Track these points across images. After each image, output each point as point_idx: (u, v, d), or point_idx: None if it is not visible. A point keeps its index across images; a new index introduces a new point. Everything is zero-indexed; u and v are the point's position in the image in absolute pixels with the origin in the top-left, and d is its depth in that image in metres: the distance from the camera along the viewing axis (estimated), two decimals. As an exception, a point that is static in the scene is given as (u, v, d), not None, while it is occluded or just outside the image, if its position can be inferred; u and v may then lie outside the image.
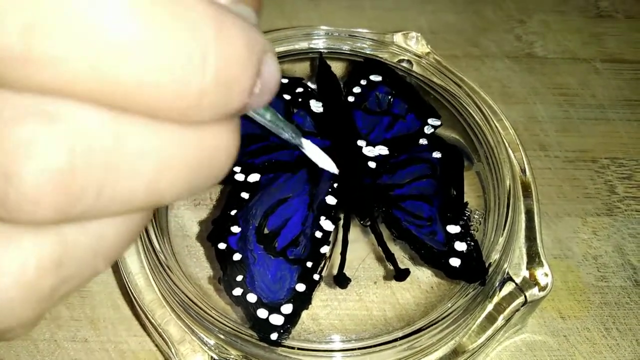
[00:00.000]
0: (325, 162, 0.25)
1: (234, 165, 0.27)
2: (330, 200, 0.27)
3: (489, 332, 0.25)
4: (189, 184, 0.13)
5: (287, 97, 0.31)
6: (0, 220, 0.11)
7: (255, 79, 0.12)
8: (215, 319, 0.24)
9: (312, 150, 0.24)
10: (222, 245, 0.25)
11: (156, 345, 0.28)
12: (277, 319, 0.23)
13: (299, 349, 0.23)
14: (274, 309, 0.23)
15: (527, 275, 0.26)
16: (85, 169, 0.11)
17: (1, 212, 0.11)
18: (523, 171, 0.29)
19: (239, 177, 0.27)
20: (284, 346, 0.23)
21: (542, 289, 0.26)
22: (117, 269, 0.29)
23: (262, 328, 0.23)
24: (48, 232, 0.12)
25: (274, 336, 0.23)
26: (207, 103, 0.11)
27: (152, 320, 0.25)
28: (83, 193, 0.11)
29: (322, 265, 0.25)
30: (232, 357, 0.24)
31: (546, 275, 0.26)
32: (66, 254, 0.12)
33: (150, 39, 0.11)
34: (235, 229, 0.25)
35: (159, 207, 0.14)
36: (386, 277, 0.28)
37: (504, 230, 0.26)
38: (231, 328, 0.24)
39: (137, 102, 0.11)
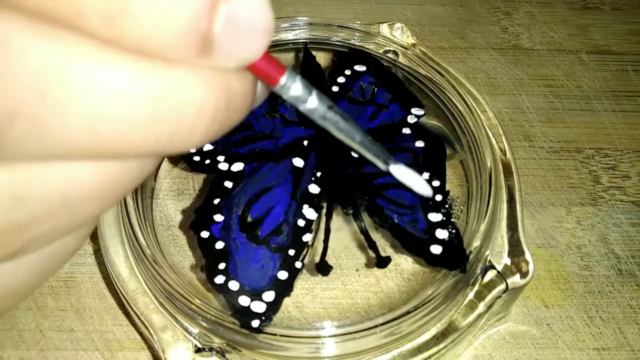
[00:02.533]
0: (420, 186, 0.23)
1: (218, 154, 0.28)
2: (313, 189, 0.27)
3: (471, 318, 0.25)
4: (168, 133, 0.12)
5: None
6: None
7: (210, 2, 0.11)
8: (198, 307, 0.24)
9: (405, 174, 0.23)
10: (204, 234, 0.25)
11: (140, 334, 0.28)
12: (258, 306, 0.23)
13: (280, 335, 0.23)
14: (256, 296, 0.24)
15: (509, 263, 0.26)
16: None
17: None
18: (504, 152, 0.29)
19: (223, 166, 0.27)
20: (266, 333, 0.23)
21: (523, 276, 0.26)
22: (102, 260, 0.29)
23: (244, 315, 0.23)
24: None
25: (255, 323, 0.23)
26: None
27: (135, 309, 0.25)
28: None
29: (304, 253, 0.25)
30: (215, 344, 0.24)
31: (527, 262, 0.26)
32: (25, 189, 0.11)
33: None
34: (218, 218, 0.26)
35: (156, 156, 0.14)
36: (368, 265, 0.28)
37: (485, 218, 0.26)
38: (214, 316, 0.24)
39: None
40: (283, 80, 0.14)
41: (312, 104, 0.15)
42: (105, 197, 0.13)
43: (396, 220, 0.26)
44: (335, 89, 0.31)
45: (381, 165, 0.21)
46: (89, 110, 0.11)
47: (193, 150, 0.28)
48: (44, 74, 0.11)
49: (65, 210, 0.12)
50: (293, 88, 0.14)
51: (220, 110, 0.12)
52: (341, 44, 0.33)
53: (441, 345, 0.25)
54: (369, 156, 0.20)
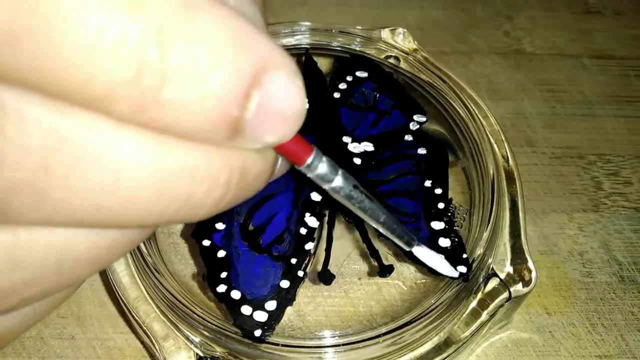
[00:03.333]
0: (444, 267, 0.24)
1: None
2: (315, 196, 0.27)
3: (474, 327, 0.25)
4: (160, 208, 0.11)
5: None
6: None
7: (243, 90, 0.11)
8: (199, 316, 0.24)
9: (428, 256, 0.23)
10: (206, 242, 0.25)
11: (142, 342, 0.28)
12: (260, 316, 0.23)
13: (283, 345, 0.23)
14: (258, 305, 0.23)
15: (512, 271, 0.26)
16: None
17: None
18: (506, 160, 0.29)
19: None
20: (268, 342, 0.23)
21: (526, 284, 0.26)
22: (103, 266, 0.29)
23: (246, 325, 0.23)
24: None
25: (257, 333, 0.23)
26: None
27: (137, 317, 0.25)
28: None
29: (306, 261, 0.25)
30: (217, 354, 0.24)
31: (530, 270, 0.26)
32: (22, 253, 0.11)
33: None
34: (220, 226, 0.25)
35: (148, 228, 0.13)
36: (371, 274, 0.28)
37: (488, 226, 0.26)
38: (215, 325, 0.24)
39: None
40: (310, 160, 0.14)
41: (338, 183, 0.15)
42: (101, 261, 0.12)
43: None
44: (336, 95, 0.31)
45: (404, 247, 0.21)
46: (93, 185, 0.11)
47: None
48: (49, 147, 0.10)
49: (59, 274, 0.12)
50: (320, 167, 0.14)
51: (232, 188, 0.12)
52: (342, 49, 0.33)
53: (444, 355, 0.25)
54: (391, 237, 0.20)
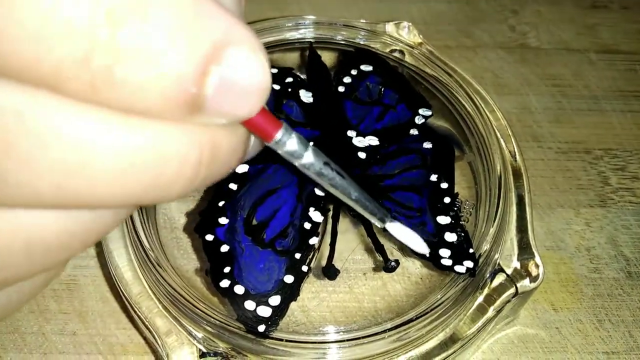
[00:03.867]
0: (417, 243, 0.23)
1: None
2: (319, 191, 0.27)
3: (480, 323, 0.25)
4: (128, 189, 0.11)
5: (276, 87, 0.30)
6: None
7: (200, 67, 0.11)
8: (202, 311, 0.24)
9: (402, 232, 0.23)
10: (209, 237, 0.25)
11: (144, 338, 0.28)
12: (264, 311, 0.23)
13: (287, 340, 0.23)
14: (262, 300, 0.23)
15: (519, 266, 0.26)
16: None
17: None
18: (513, 156, 0.29)
19: (227, 168, 0.27)
20: (272, 338, 0.23)
21: (533, 280, 0.26)
22: (104, 262, 0.29)
23: (250, 320, 0.23)
24: None
25: (261, 328, 0.23)
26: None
27: (139, 313, 0.25)
28: None
29: (310, 256, 0.25)
30: (220, 349, 0.24)
31: (537, 266, 0.26)
32: None
33: None
34: (223, 220, 0.25)
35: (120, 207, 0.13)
36: (376, 269, 0.28)
37: (494, 221, 0.26)
38: (219, 320, 0.23)
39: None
40: (278, 136, 0.14)
41: (308, 159, 0.15)
42: (74, 245, 0.12)
43: (404, 223, 0.26)
44: (341, 89, 0.30)
45: (378, 223, 0.21)
46: (55, 165, 0.10)
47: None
48: (8, 127, 0.10)
49: (29, 259, 0.12)
50: (288, 143, 0.14)
51: (203, 166, 0.12)
52: (347, 43, 0.32)
53: (450, 351, 0.25)
54: (364, 213, 0.20)
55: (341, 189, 0.17)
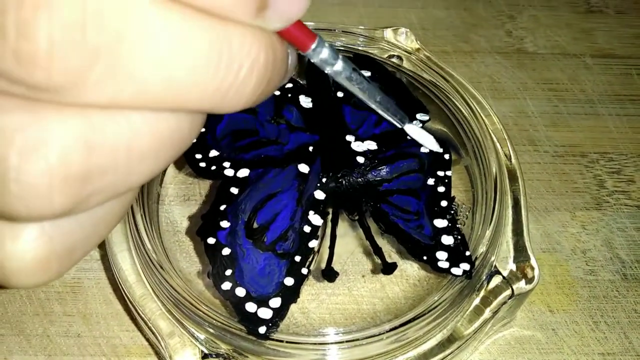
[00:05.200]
0: (432, 144, 0.27)
1: (224, 160, 0.28)
2: (319, 195, 0.27)
3: (477, 324, 0.25)
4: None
5: (276, 92, 0.31)
6: None
7: None
8: (204, 313, 0.24)
9: (418, 133, 0.26)
10: (211, 240, 0.25)
11: (147, 340, 0.28)
12: (265, 313, 0.23)
13: (287, 342, 0.23)
14: (263, 302, 0.24)
15: (515, 269, 0.26)
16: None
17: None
18: (509, 160, 0.29)
19: (229, 172, 0.27)
20: (273, 339, 0.23)
21: (529, 282, 0.26)
22: (108, 266, 0.29)
23: (251, 322, 0.23)
24: (74, 114, 0.12)
25: (262, 330, 0.23)
26: None
27: (142, 315, 0.25)
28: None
29: (310, 259, 0.25)
30: (222, 350, 0.24)
31: (533, 268, 0.26)
32: (96, 137, 0.13)
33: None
34: (225, 224, 0.26)
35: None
36: (374, 271, 0.28)
37: (490, 223, 0.26)
38: (220, 322, 0.24)
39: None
40: (314, 45, 0.16)
41: (339, 66, 0.17)
42: (161, 155, 0.14)
43: (402, 226, 0.26)
44: (340, 94, 0.31)
45: (397, 124, 0.24)
46: (159, 56, 0.12)
47: (199, 155, 0.28)
48: (123, 15, 0.12)
49: (128, 163, 0.13)
50: (323, 52, 0.16)
51: (269, 68, 0.14)
52: (345, 48, 0.33)
53: (447, 352, 0.25)
54: (386, 115, 0.23)
55: (368, 92, 0.20)
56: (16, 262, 0.14)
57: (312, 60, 0.16)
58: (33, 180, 0.12)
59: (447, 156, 0.29)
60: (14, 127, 0.12)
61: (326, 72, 0.17)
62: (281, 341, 0.23)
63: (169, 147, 0.14)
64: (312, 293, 0.28)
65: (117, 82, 0.12)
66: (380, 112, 0.22)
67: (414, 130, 0.25)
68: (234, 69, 0.13)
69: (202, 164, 0.28)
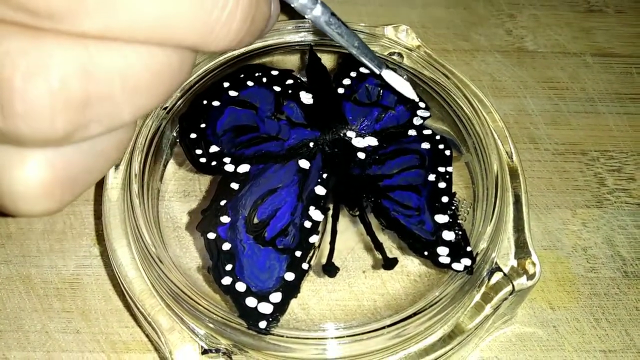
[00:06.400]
0: (407, 91, 0.27)
1: (224, 156, 0.28)
2: (320, 190, 0.27)
3: (478, 320, 0.25)
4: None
5: (277, 88, 0.31)
6: None
7: None
8: (204, 308, 0.24)
9: (394, 79, 0.26)
10: (211, 235, 0.25)
11: (147, 336, 0.28)
12: (265, 308, 0.23)
13: (287, 337, 0.23)
14: (263, 297, 0.24)
15: (515, 265, 0.26)
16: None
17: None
18: (510, 157, 0.29)
19: (229, 167, 0.27)
20: (273, 334, 0.23)
21: (530, 278, 0.26)
22: (107, 262, 0.29)
23: (251, 317, 0.23)
24: (73, 42, 0.13)
25: (262, 325, 0.23)
26: None
27: (142, 310, 0.25)
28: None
29: (311, 254, 0.25)
30: (222, 346, 0.24)
31: (534, 264, 0.26)
32: (93, 65, 0.13)
33: None
34: (225, 219, 0.26)
35: None
36: (375, 267, 0.28)
37: (491, 220, 0.26)
38: (220, 317, 0.24)
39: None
40: None
41: (318, 11, 0.18)
42: (153, 89, 0.15)
43: (402, 222, 0.26)
44: (341, 90, 0.31)
45: (375, 69, 0.25)
46: None
47: (199, 151, 0.28)
48: None
49: (123, 93, 0.14)
50: None
51: (253, 4, 0.15)
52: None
53: (447, 348, 0.25)
54: (364, 60, 0.23)
55: (346, 37, 0.20)
56: (23, 187, 0.15)
57: (292, 5, 0.17)
58: (36, 101, 0.13)
59: (448, 152, 0.29)
60: (18, 52, 0.13)
61: (306, 17, 0.18)
62: (281, 336, 0.23)
63: (160, 82, 0.15)
64: (312, 288, 0.28)
65: (111, 11, 0.13)
66: (359, 57, 0.22)
67: (390, 76, 0.25)
68: (220, 3, 0.14)
69: (203, 160, 0.28)
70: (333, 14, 0.19)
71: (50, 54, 0.13)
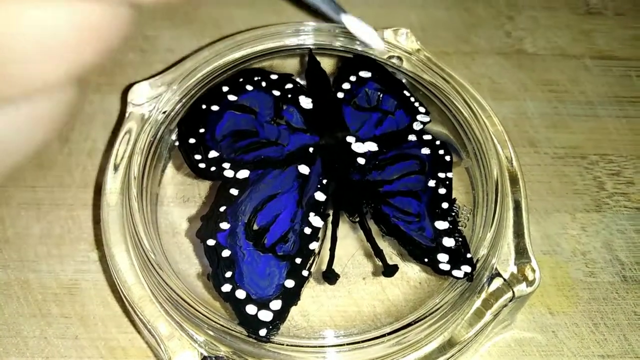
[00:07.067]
0: (371, 37, 0.24)
1: (224, 161, 0.28)
2: (320, 196, 0.27)
3: (478, 327, 0.25)
4: None
5: (276, 93, 0.31)
6: None
7: None
8: (204, 315, 0.24)
9: (356, 24, 0.24)
10: (211, 242, 0.25)
11: (146, 342, 0.28)
12: (265, 315, 0.23)
13: (288, 345, 0.23)
14: (263, 305, 0.24)
15: (515, 271, 0.26)
16: None
17: None
18: (510, 162, 0.29)
19: (229, 173, 0.27)
20: (273, 342, 0.23)
21: (529, 284, 0.26)
22: (106, 267, 0.29)
23: (251, 324, 0.23)
24: None
25: (262, 332, 0.23)
26: None
27: (142, 317, 0.25)
28: None
29: (311, 261, 0.25)
30: (221, 353, 0.24)
31: (534, 270, 0.26)
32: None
33: None
34: (225, 226, 0.26)
35: None
36: (375, 273, 0.28)
37: (491, 226, 0.26)
38: (220, 324, 0.24)
39: None
40: None
41: None
42: (78, 48, 0.14)
43: (403, 228, 0.26)
44: (340, 95, 0.31)
45: (333, 16, 0.23)
46: None
47: (198, 156, 0.28)
48: None
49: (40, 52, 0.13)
50: None
51: None
52: (346, 49, 0.33)
53: (447, 355, 0.25)
54: (322, 6, 0.22)
55: None
56: None
57: None
58: None
59: (447, 158, 0.29)
60: None
61: None
62: (281, 344, 0.23)
63: (86, 39, 0.14)
64: (313, 295, 0.28)
65: None
66: (315, 5, 0.21)
67: (351, 21, 0.23)
68: None
69: (202, 165, 0.27)
70: None
71: None
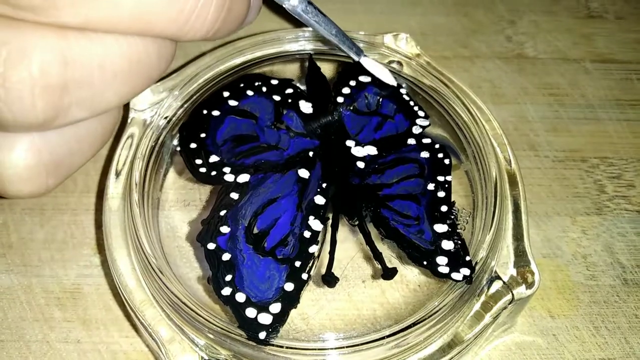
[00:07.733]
0: (387, 77, 0.27)
1: (224, 165, 0.28)
2: (319, 200, 0.27)
3: (477, 329, 0.25)
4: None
5: (277, 98, 0.31)
6: None
7: None
8: (204, 318, 0.24)
9: (373, 66, 0.27)
10: (211, 246, 0.25)
11: (147, 346, 0.28)
12: (265, 318, 0.23)
13: (287, 347, 0.23)
14: (263, 308, 0.24)
15: (515, 274, 0.26)
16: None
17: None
18: (509, 164, 0.29)
19: (229, 177, 0.27)
20: (273, 345, 0.23)
21: (529, 286, 0.26)
22: (108, 271, 0.29)
23: (251, 327, 0.23)
24: (53, 32, 0.14)
25: (262, 335, 0.23)
26: None
27: (143, 321, 0.25)
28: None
29: (310, 264, 0.25)
30: (222, 356, 0.24)
31: (533, 273, 0.26)
32: (72, 54, 0.14)
33: None
34: (225, 229, 0.26)
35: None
36: (374, 276, 0.28)
37: (491, 228, 0.26)
38: (220, 328, 0.24)
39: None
40: None
41: (295, 1, 0.19)
42: (132, 77, 0.15)
43: (402, 231, 0.26)
44: (340, 99, 0.31)
45: (354, 57, 0.26)
46: None
47: (199, 161, 0.28)
48: None
49: (102, 80, 0.15)
50: None
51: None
52: (345, 54, 0.33)
53: (447, 357, 0.25)
54: (343, 47, 0.24)
55: (324, 25, 0.21)
56: (11, 169, 0.16)
57: None
58: (18, 86, 0.14)
59: (447, 161, 0.29)
60: (0, 41, 0.14)
61: (284, 6, 0.19)
62: (281, 347, 0.23)
63: (138, 71, 0.15)
64: (312, 298, 0.28)
65: (91, 3, 0.14)
66: (337, 44, 0.23)
67: (369, 63, 0.26)
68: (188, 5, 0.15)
69: (203, 170, 0.28)
70: (310, 3, 0.20)
71: (31, 43, 0.14)
